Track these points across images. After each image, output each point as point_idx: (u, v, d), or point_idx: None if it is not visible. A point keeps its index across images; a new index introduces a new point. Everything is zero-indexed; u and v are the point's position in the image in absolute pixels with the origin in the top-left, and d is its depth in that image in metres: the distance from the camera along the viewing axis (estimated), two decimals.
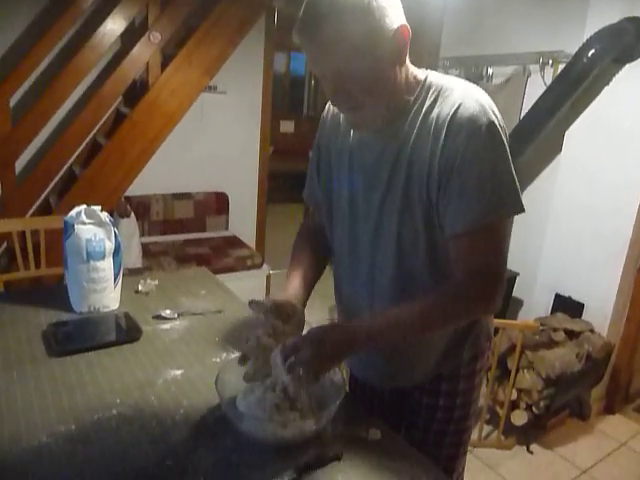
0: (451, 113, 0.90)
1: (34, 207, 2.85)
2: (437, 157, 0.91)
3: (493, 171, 0.90)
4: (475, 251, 0.93)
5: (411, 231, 0.98)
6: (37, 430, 0.97)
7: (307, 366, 0.89)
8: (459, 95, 0.91)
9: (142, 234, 3.37)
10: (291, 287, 1.10)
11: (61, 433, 0.97)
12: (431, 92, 0.95)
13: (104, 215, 1.48)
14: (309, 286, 1.13)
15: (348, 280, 1.14)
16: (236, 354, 1.29)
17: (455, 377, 1.13)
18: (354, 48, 0.86)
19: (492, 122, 0.89)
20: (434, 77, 0.97)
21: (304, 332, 0.99)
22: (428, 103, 0.94)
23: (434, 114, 0.92)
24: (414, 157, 0.94)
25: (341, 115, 1.09)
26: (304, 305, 1.09)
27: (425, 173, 0.93)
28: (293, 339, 0.93)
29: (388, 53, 0.89)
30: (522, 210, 0.92)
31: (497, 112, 0.91)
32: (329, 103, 1.14)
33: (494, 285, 0.94)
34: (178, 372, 1.20)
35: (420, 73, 0.98)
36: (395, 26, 0.87)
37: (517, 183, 0.92)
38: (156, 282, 1.69)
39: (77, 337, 1.34)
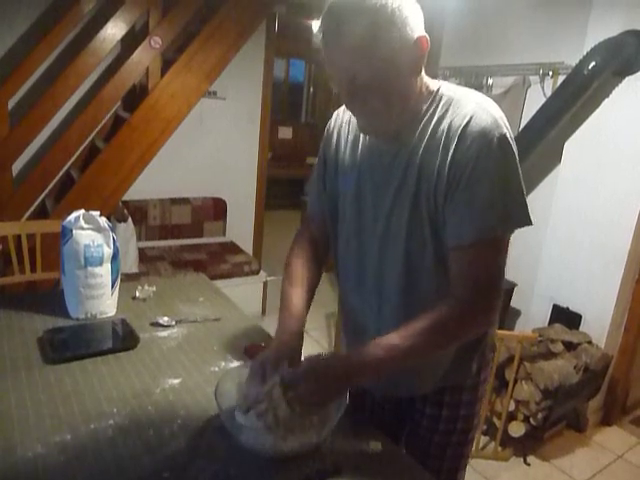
0: (463, 125, 0.89)
1: (30, 210, 2.82)
2: (446, 168, 0.90)
3: (503, 184, 0.89)
4: (479, 264, 0.92)
5: (419, 240, 0.97)
6: (32, 440, 0.96)
7: (306, 403, 0.91)
8: (471, 107, 0.91)
9: (139, 239, 3.35)
10: (294, 309, 1.08)
11: (56, 443, 0.95)
12: (443, 103, 0.94)
13: (103, 220, 1.47)
14: (309, 301, 1.12)
15: (354, 293, 1.12)
16: (235, 363, 1.28)
17: (459, 388, 1.12)
18: (374, 55, 0.85)
19: (504, 135, 0.89)
20: (446, 88, 0.97)
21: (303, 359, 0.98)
22: (439, 113, 0.94)
23: (445, 124, 0.92)
24: (423, 166, 0.94)
25: (349, 126, 1.09)
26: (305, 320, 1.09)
27: (433, 183, 0.92)
28: (293, 371, 0.94)
29: (406, 63, 0.88)
30: (530, 223, 0.92)
31: (508, 125, 0.91)
32: (333, 117, 1.15)
33: (495, 299, 0.94)
34: (176, 381, 1.19)
35: (433, 83, 0.97)
36: (415, 36, 0.87)
37: (525, 196, 0.92)
38: (154, 288, 1.67)
39: (73, 344, 1.32)
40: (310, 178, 1.21)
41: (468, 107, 0.91)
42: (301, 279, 1.13)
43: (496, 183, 0.89)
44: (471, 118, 0.89)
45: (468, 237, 0.90)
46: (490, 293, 0.93)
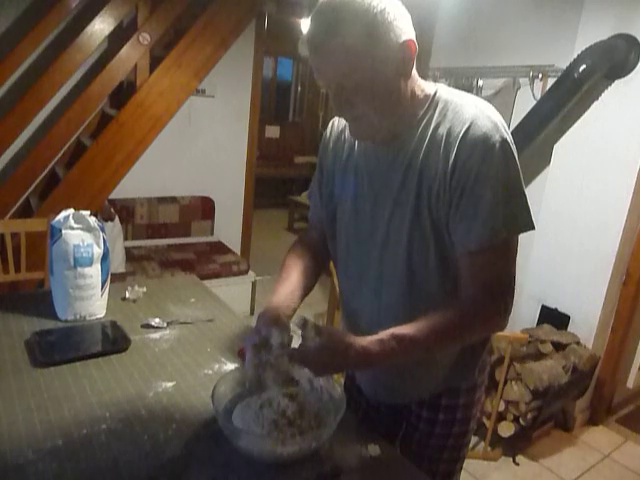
0: (463, 130, 0.89)
1: (14, 209, 2.76)
2: (449, 174, 0.90)
3: (506, 189, 0.89)
4: (488, 267, 0.92)
5: (421, 245, 0.96)
6: (22, 446, 0.93)
7: (309, 366, 0.90)
8: (471, 112, 0.90)
9: (125, 238, 3.30)
10: (284, 296, 1.06)
11: (48, 449, 0.93)
12: (440, 107, 0.94)
13: (93, 220, 1.43)
14: (296, 292, 1.08)
15: (355, 296, 1.11)
16: (230, 366, 1.26)
17: (456, 392, 1.11)
18: (356, 61, 0.85)
19: (505, 140, 0.89)
20: (443, 92, 0.96)
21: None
22: (437, 117, 0.93)
23: (443, 129, 0.91)
24: (424, 170, 0.93)
25: (345, 133, 1.08)
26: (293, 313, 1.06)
27: (435, 189, 0.92)
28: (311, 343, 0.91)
29: (391, 66, 0.88)
30: (533, 227, 0.92)
31: (507, 128, 0.91)
32: (330, 125, 1.14)
33: (508, 299, 0.93)
34: (169, 384, 1.16)
35: (429, 87, 0.97)
36: (400, 40, 0.87)
37: (527, 200, 0.92)
38: (144, 289, 1.64)
39: (63, 347, 1.28)
40: (310, 185, 1.21)
41: (467, 112, 0.90)
42: (289, 273, 1.10)
43: (500, 188, 0.88)
44: (471, 124, 0.89)
45: (476, 243, 0.90)
46: (501, 295, 0.93)
